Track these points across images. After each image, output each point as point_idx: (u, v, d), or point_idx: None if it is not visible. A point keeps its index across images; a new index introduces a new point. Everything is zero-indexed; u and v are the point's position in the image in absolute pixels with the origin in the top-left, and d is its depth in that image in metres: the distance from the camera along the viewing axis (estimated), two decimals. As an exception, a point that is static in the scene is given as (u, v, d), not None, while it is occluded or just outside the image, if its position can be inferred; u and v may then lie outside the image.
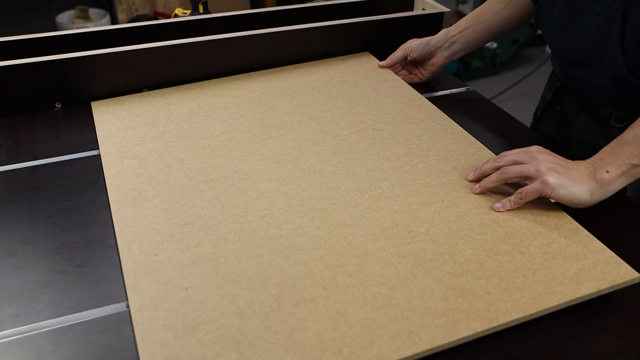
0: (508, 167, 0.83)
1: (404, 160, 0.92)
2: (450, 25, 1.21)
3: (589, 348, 0.66)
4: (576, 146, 1.07)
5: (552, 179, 0.78)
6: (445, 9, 1.32)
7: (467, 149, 0.95)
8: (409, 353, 0.62)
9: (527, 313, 0.66)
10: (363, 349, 0.62)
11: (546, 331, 0.67)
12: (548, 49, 3.62)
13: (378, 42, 1.29)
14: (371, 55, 1.27)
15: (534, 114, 1.21)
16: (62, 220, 0.83)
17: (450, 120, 1.03)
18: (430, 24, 1.31)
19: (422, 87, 1.21)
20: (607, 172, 0.79)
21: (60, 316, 0.68)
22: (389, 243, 0.76)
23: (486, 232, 0.78)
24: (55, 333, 0.66)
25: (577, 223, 0.79)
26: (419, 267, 0.72)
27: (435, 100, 1.11)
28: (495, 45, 3.42)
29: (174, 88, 1.15)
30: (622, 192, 0.83)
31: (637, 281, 0.71)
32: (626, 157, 0.79)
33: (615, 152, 0.80)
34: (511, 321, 0.66)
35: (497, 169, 0.84)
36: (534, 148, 0.84)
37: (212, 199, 0.84)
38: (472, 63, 3.38)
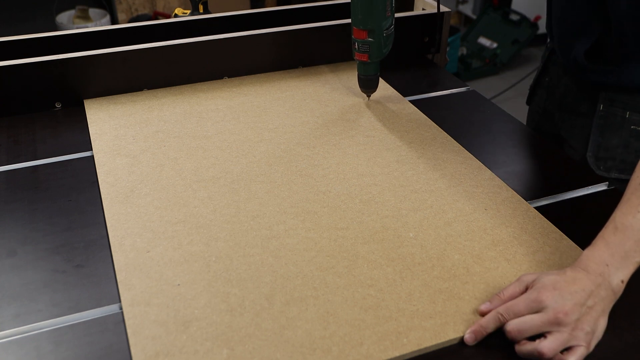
0: (520, 328, 0.64)
1: (393, 166, 0.94)
2: (450, 26, 1.18)
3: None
4: (560, 111, 1.11)
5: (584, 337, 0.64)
6: (445, 9, 1.33)
7: (455, 158, 0.96)
8: (397, 353, 0.63)
9: (512, 318, 0.68)
10: (352, 348, 0.63)
11: None
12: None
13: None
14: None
15: (529, 88, 1.24)
16: (62, 220, 0.83)
17: (440, 129, 1.05)
18: (430, 24, 1.32)
19: (421, 87, 1.21)
20: (622, 281, 0.68)
21: (60, 316, 0.68)
22: (378, 246, 0.77)
23: (473, 239, 0.79)
24: (55, 333, 0.66)
25: (561, 232, 0.81)
26: (408, 271, 0.74)
27: (435, 100, 1.12)
28: (495, 45, 3.38)
29: (167, 90, 1.16)
30: (605, 198, 0.84)
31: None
32: (630, 256, 0.68)
33: (618, 252, 0.68)
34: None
35: (502, 322, 0.66)
36: (529, 278, 0.68)
37: (204, 199, 0.85)
38: (472, 63, 3.35)
